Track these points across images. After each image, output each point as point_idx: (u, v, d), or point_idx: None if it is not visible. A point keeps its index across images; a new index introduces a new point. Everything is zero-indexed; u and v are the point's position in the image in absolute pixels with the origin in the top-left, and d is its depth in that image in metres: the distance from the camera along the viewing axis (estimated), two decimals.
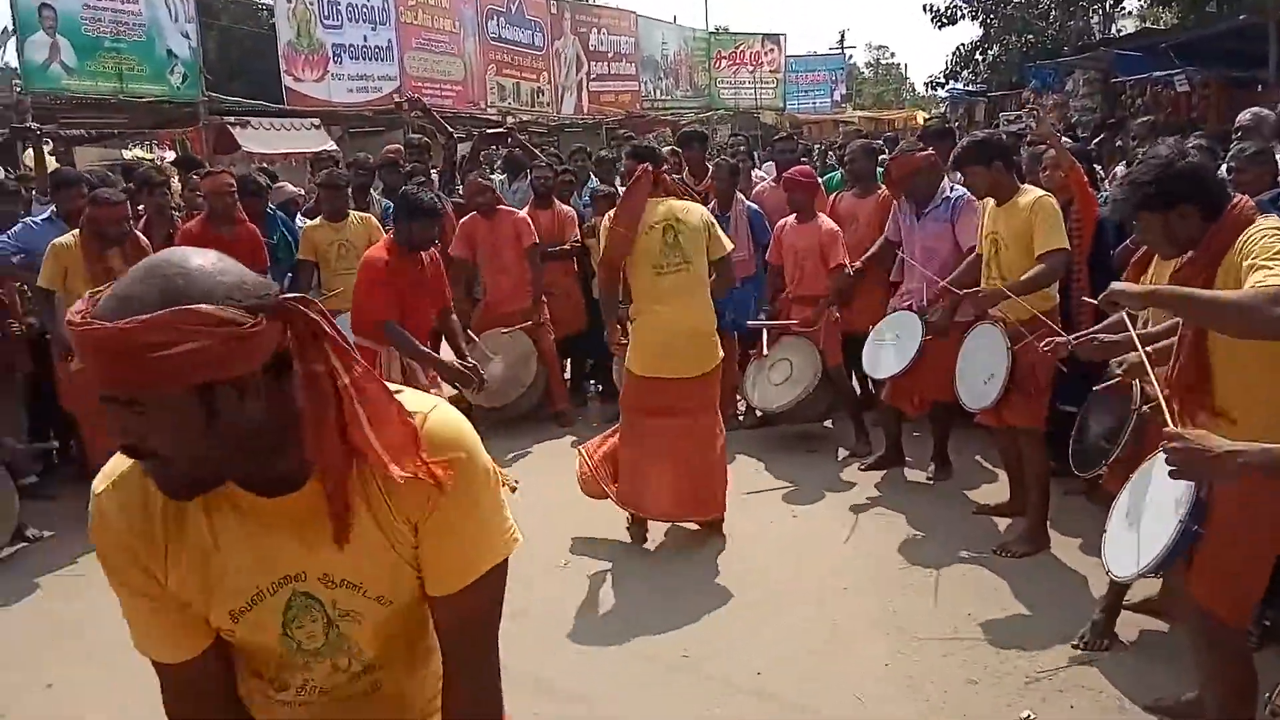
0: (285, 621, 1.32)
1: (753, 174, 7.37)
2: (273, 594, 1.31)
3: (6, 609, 4.22)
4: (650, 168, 4.36)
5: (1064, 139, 5.96)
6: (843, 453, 5.76)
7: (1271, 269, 2.21)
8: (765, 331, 6.26)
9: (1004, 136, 4.82)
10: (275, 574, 1.30)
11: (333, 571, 1.30)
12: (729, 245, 4.52)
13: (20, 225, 5.56)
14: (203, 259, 1.15)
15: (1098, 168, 6.22)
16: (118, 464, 1.30)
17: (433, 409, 1.31)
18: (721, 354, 4.49)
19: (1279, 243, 2.28)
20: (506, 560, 1.36)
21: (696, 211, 4.40)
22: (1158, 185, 2.52)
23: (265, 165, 10.45)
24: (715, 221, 4.52)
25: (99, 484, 1.31)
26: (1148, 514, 2.49)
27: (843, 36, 41.42)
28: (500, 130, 9.20)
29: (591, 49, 22.94)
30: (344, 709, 1.43)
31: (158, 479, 1.20)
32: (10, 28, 11.08)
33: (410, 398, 1.31)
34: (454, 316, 5.08)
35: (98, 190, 5.26)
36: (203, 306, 1.09)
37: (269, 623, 1.32)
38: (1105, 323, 3.20)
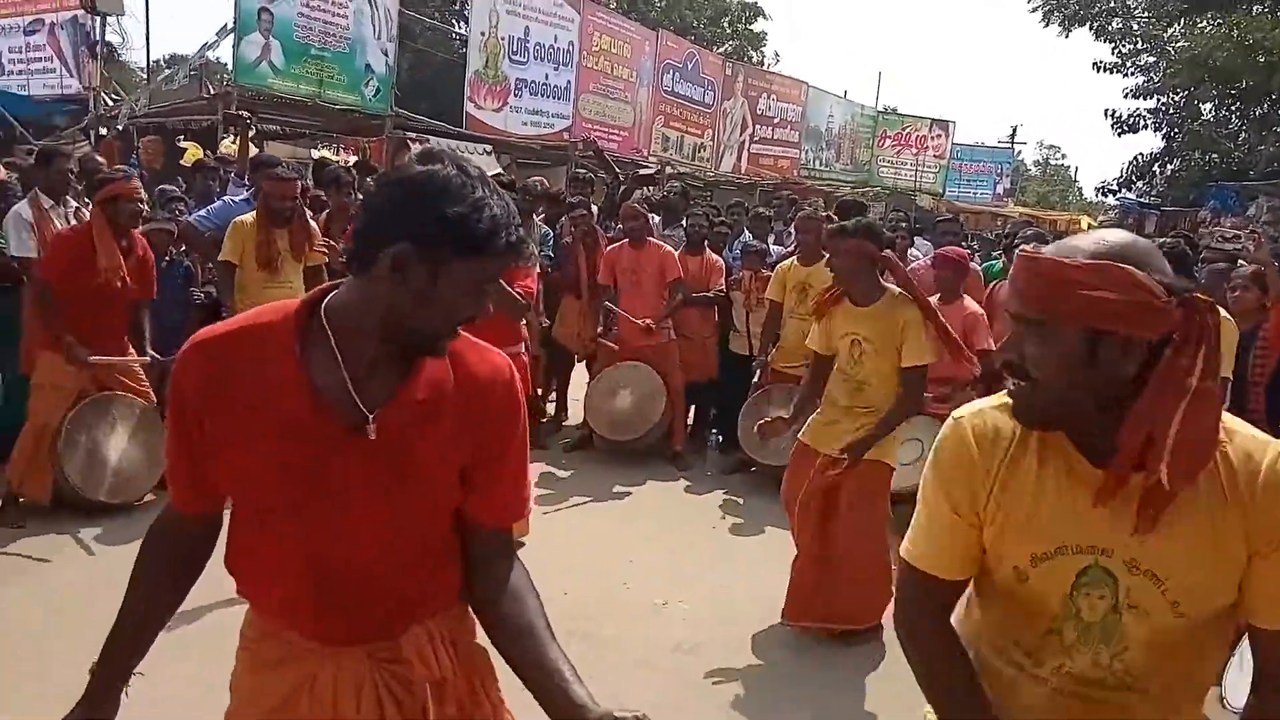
0: (1075, 583, 1.40)
1: (909, 253, 7.33)
2: (1074, 554, 1.39)
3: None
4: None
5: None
6: None
7: None
8: None
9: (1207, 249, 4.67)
10: (1084, 539, 1.39)
11: (1140, 558, 1.36)
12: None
13: (220, 203, 6.03)
14: (1146, 242, 1.38)
15: None
16: (982, 402, 1.52)
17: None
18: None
19: None
20: None
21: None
22: None
23: None
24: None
25: (962, 411, 1.52)
26: None
27: (1014, 131, 40.58)
28: (652, 173, 9.41)
29: (759, 112, 23.26)
30: (1089, 711, 1.44)
31: (1018, 402, 1.41)
32: (230, 25, 12.04)
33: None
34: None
35: (274, 167, 5.58)
36: (1135, 271, 1.28)
37: (1061, 577, 1.40)
38: None
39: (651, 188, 10.76)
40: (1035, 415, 1.39)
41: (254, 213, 5.38)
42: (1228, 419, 1.35)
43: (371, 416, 1.39)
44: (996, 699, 1.47)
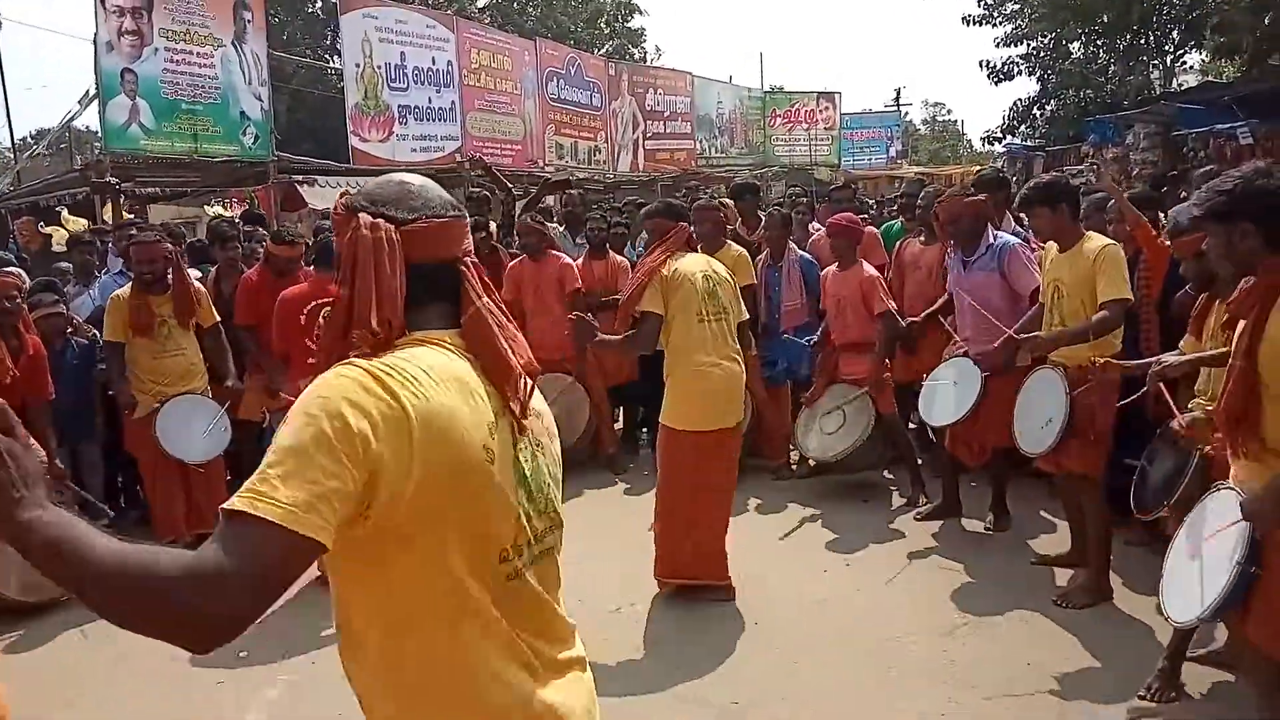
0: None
1: (810, 226, 7.40)
2: None
3: (70, 649, 4.32)
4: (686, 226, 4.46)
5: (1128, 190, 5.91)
6: (898, 502, 5.68)
7: None
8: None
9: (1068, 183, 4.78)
10: None
11: None
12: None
13: (100, 283, 5.85)
14: None
15: (1162, 216, 6.12)
16: None
17: None
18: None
19: None
20: None
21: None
22: (1229, 196, 2.47)
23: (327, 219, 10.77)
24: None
25: None
26: (1205, 557, 2.43)
27: (898, 94, 41.47)
28: (563, 179, 9.36)
29: (648, 108, 23.35)
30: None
31: None
32: (93, 90, 11.62)
33: None
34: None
35: (136, 232, 5.44)
36: None
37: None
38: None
39: (570, 191, 10.71)
40: None
41: (130, 286, 5.24)
42: None
43: None
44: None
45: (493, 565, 1.38)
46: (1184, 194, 8.94)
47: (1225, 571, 2.28)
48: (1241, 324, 2.52)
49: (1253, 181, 2.46)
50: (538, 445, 1.49)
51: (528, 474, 1.44)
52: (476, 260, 1.53)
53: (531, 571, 1.44)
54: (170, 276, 5.24)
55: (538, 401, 1.52)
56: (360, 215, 1.42)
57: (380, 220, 1.41)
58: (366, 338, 1.37)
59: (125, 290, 5.22)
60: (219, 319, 5.48)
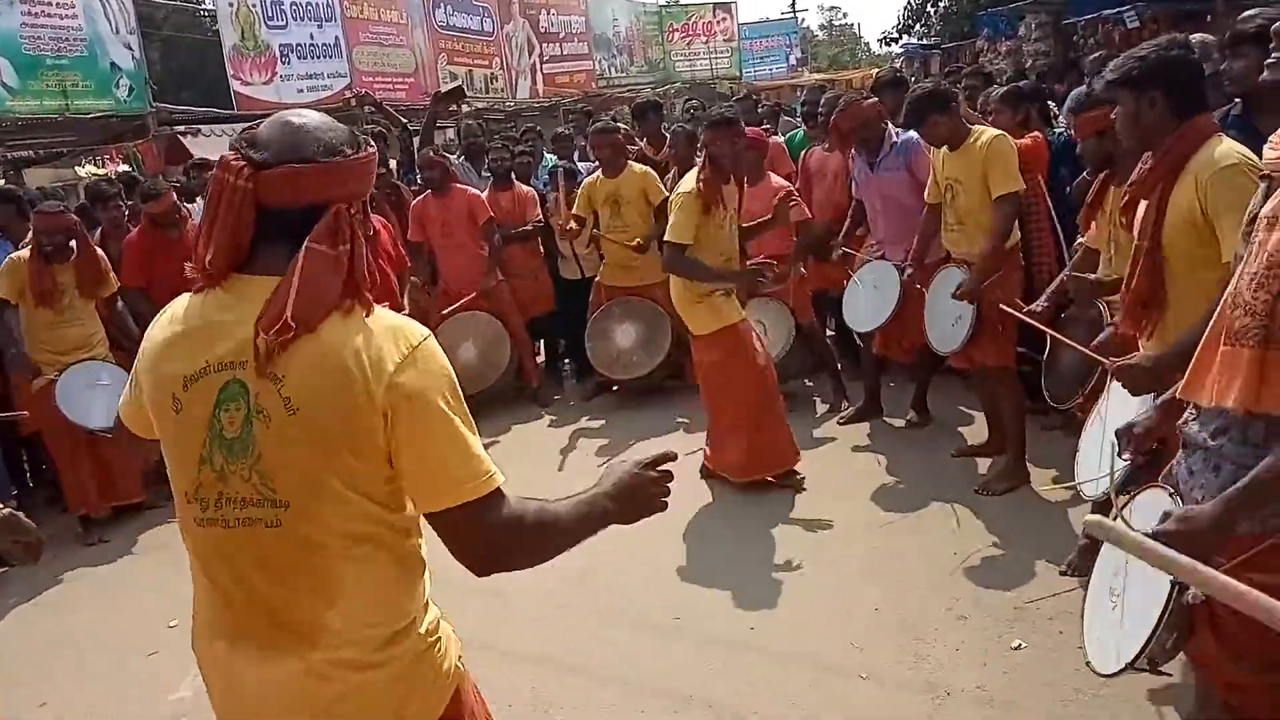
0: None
1: None
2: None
3: None
4: None
5: (1021, 83, 5.97)
6: (821, 408, 5.78)
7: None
8: None
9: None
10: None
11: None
12: None
13: None
14: None
15: (1052, 105, 6.22)
16: None
17: None
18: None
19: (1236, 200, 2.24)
20: None
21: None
22: (1142, 64, 2.47)
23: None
24: None
25: None
26: (1113, 422, 2.49)
27: (794, 1, 41.13)
28: (454, 87, 8.94)
29: (542, 30, 22.72)
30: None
31: None
32: None
33: None
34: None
35: (41, 202, 5.20)
36: None
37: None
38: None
39: (459, 103, 10.31)
40: None
41: (29, 249, 4.99)
42: None
43: None
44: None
45: (183, 500, 1.48)
46: (1087, 84, 9.11)
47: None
48: (1144, 204, 2.55)
49: (1167, 51, 2.47)
50: (260, 414, 1.40)
51: (226, 435, 1.41)
52: (370, 199, 1.52)
53: (226, 533, 1.44)
54: (75, 245, 5.03)
55: (302, 374, 1.39)
56: (224, 155, 1.43)
57: (237, 162, 1.40)
58: (196, 273, 1.46)
59: (24, 254, 5.00)
60: (117, 286, 5.25)
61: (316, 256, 1.39)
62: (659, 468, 1.63)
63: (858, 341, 5.59)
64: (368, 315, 1.45)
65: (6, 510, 2.00)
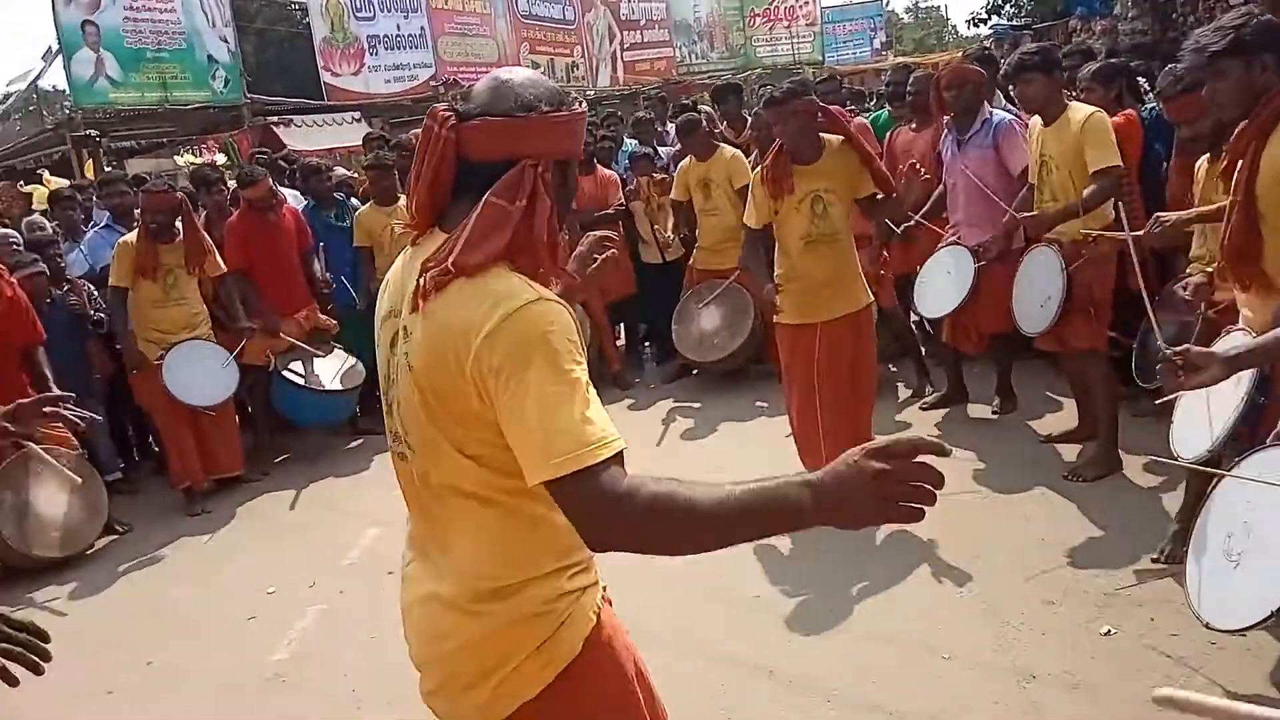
0: None
1: None
2: None
3: (104, 595, 4.41)
4: None
5: (1112, 60, 5.79)
6: (904, 393, 5.71)
7: None
8: None
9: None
10: None
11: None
12: None
13: (87, 239, 5.85)
14: None
15: (1142, 81, 6.00)
16: None
17: None
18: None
19: None
20: None
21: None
22: (1249, 31, 2.49)
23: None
24: None
25: None
26: (1213, 396, 2.48)
27: None
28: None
29: (623, 19, 22.79)
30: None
31: None
32: (55, 47, 11.35)
33: None
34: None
35: (149, 182, 5.45)
36: None
37: None
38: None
39: None
40: None
41: (137, 231, 5.24)
42: None
43: None
44: None
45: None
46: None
47: (1235, 405, 2.37)
48: (1240, 162, 2.57)
49: (1256, 17, 2.53)
50: (404, 364, 1.45)
51: (391, 376, 1.52)
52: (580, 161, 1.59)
53: (400, 462, 1.56)
54: (181, 224, 5.26)
55: (422, 335, 1.40)
56: (435, 105, 1.48)
57: (445, 113, 1.44)
58: (407, 226, 1.54)
59: (132, 237, 5.24)
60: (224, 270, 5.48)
61: (491, 208, 1.40)
62: (915, 458, 1.25)
63: (929, 329, 5.49)
64: (514, 278, 1.38)
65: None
